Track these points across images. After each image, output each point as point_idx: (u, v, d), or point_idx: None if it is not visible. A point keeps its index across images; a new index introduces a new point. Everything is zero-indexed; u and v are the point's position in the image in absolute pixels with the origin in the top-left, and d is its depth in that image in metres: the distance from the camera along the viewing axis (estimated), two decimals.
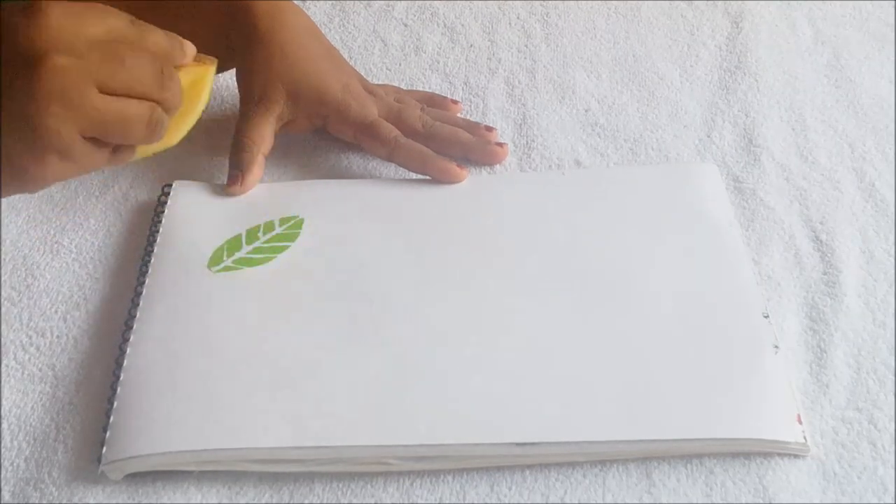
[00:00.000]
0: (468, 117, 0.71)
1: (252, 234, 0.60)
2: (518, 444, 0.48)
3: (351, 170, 0.67)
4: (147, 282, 0.57)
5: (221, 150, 0.66)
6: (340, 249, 0.59)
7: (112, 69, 0.44)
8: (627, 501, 0.48)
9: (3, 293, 0.58)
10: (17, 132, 0.43)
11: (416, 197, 0.63)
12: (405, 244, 0.59)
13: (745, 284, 0.56)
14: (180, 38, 0.50)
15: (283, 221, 0.61)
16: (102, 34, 0.44)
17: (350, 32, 0.80)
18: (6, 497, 0.49)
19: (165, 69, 0.47)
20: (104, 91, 0.44)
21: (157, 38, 0.48)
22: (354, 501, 0.48)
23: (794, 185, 0.65)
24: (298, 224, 0.61)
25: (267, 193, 0.64)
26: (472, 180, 0.65)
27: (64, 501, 0.48)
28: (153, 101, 0.47)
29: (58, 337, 0.56)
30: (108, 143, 0.47)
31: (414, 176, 0.65)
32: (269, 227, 0.60)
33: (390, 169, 0.67)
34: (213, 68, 0.54)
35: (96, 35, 0.44)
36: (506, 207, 0.62)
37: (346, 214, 0.62)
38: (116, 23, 0.46)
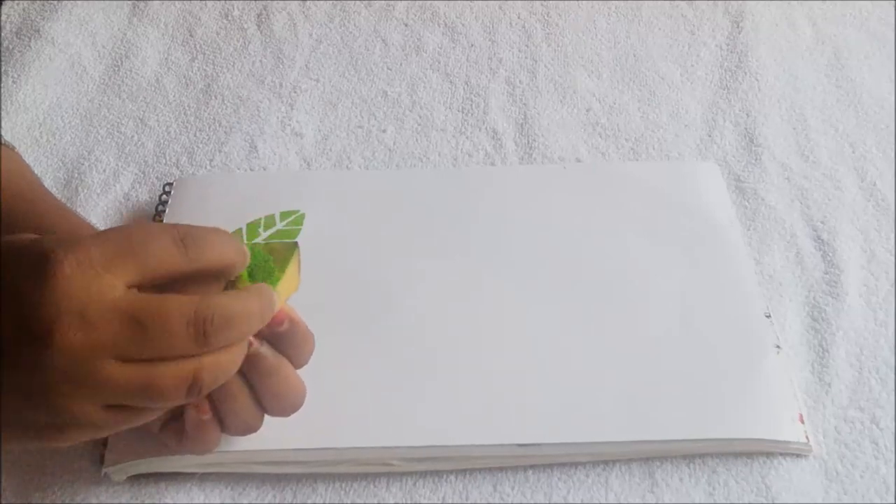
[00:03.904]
0: (469, 118, 0.71)
1: (252, 230, 0.60)
2: (521, 445, 0.48)
3: (352, 161, 0.67)
4: None
5: (222, 147, 0.66)
6: (341, 248, 0.59)
7: (131, 338, 0.36)
8: (630, 501, 0.48)
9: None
10: (34, 406, 0.37)
11: (417, 190, 0.63)
12: (406, 241, 0.59)
13: (747, 284, 0.56)
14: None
15: (283, 216, 0.61)
16: (123, 293, 0.37)
17: (351, 32, 0.80)
18: (9, 497, 0.49)
19: (211, 322, 0.37)
20: (126, 360, 0.37)
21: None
22: (357, 501, 0.48)
23: (795, 184, 0.65)
24: (299, 220, 0.60)
25: (267, 183, 0.64)
26: (474, 173, 0.65)
27: (67, 501, 0.48)
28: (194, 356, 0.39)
29: None
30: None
31: (415, 167, 0.65)
32: (269, 221, 0.60)
33: (393, 160, 0.67)
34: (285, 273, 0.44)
35: (115, 294, 0.36)
36: (507, 201, 0.62)
37: (345, 209, 0.61)
38: (148, 272, 0.38)
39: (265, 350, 0.43)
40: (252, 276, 0.43)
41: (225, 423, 0.45)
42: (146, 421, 0.41)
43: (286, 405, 0.45)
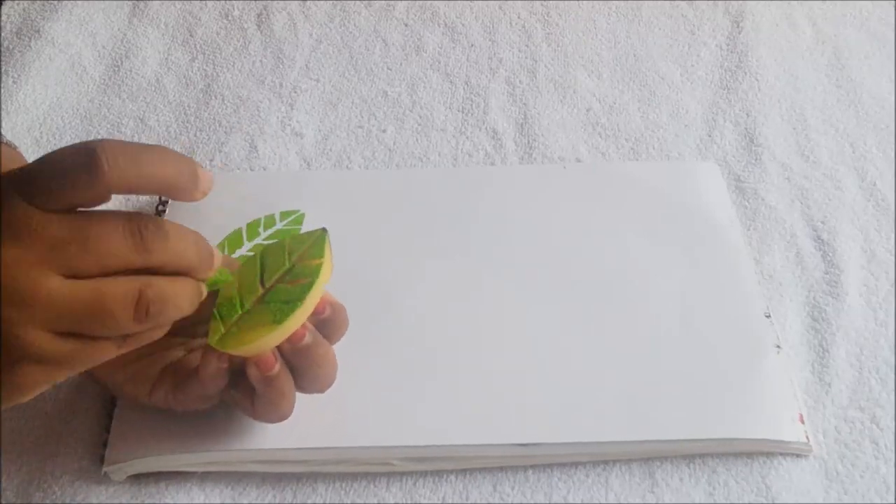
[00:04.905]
0: (469, 118, 0.71)
1: (252, 229, 0.60)
2: (521, 445, 0.48)
3: (352, 161, 0.67)
4: None
5: (221, 147, 0.66)
6: (341, 248, 0.59)
7: (72, 248, 0.35)
8: (630, 501, 0.48)
9: None
10: None
11: (417, 190, 0.63)
12: (406, 241, 0.59)
13: (747, 284, 0.56)
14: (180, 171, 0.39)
15: (283, 216, 0.61)
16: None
17: (351, 32, 0.80)
18: (10, 497, 0.49)
19: (147, 228, 0.37)
20: (71, 276, 0.36)
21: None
22: (357, 501, 0.48)
23: (795, 184, 0.65)
24: (299, 220, 0.60)
25: (267, 183, 0.64)
26: (474, 173, 0.65)
27: (67, 501, 0.48)
28: (139, 271, 0.37)
29: None
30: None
31: (415, 167, 0.65)
32: (269, 221, 0.60)
33: (393, 160, 0.67)
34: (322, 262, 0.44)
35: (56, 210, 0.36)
36: (507, 201, 0.62)
37: (345, 209, 0.61)
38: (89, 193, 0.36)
39: (316, 339, 0.44)
40: (294, 271, 0.44)
41: (263, 414, 0.46)
42: (102, 357, 0.39)
43: (326, 386, 0.47)
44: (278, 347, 0.43)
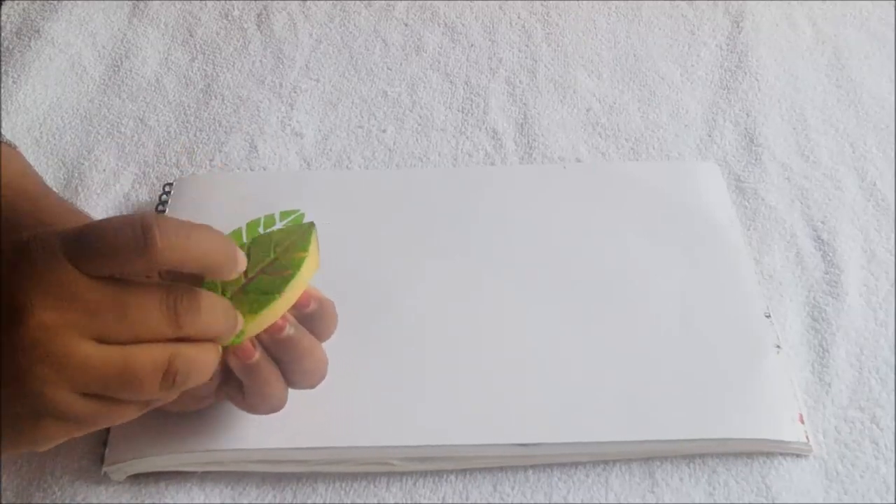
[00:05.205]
0: (469, 118, 0.71)
1: (252, 229, 0.60)
2: (521, 445, 0.48)
3: (352, 161, 0.67)
4: None
5: (223, 147, 0.66)
6: (341, 248, 0.59)
7: (109, 316, 0.37)
8: (630, 501, 0.48)
9: None
10: (10, 395, 0.37)
11: (417, 190, 0.63)
12: (406, 241, 0.59)
13: (747, 284, 0.56)
14: (223, 248, 0.40)
15: (283, 215, 0.61)
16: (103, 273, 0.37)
17: (351, 32, 0.80)
18: (10, 497, 0.49)
19: (182, 302, 0.38)
20: (103, 342, 0.37)
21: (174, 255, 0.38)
22: (357, 501, 0.48)
23: (795, 184, 0.65)
24: (299, 220, 0.60)
25: (267, 183, 0.64)
26: (474, 173, 0.65)
27: (67, 501, 0.48)
28: (171, 340, 0.38)
29: None
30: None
31: (415, 167, 0.65)
32: (269, 221, 0.60)
33: (393, 160, 0.67)
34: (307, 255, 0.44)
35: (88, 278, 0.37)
36: (507, 201, 0.62)
37: (345, 209, 0.61)
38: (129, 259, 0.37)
39: (298, 332, 0.44)
40: (276, 264, 0.44)
41: (254, 405, 0.45)
42: (123, 419, 0.40)
43: (315, 380, 0.46)
44: (258, 337, 0.43)
